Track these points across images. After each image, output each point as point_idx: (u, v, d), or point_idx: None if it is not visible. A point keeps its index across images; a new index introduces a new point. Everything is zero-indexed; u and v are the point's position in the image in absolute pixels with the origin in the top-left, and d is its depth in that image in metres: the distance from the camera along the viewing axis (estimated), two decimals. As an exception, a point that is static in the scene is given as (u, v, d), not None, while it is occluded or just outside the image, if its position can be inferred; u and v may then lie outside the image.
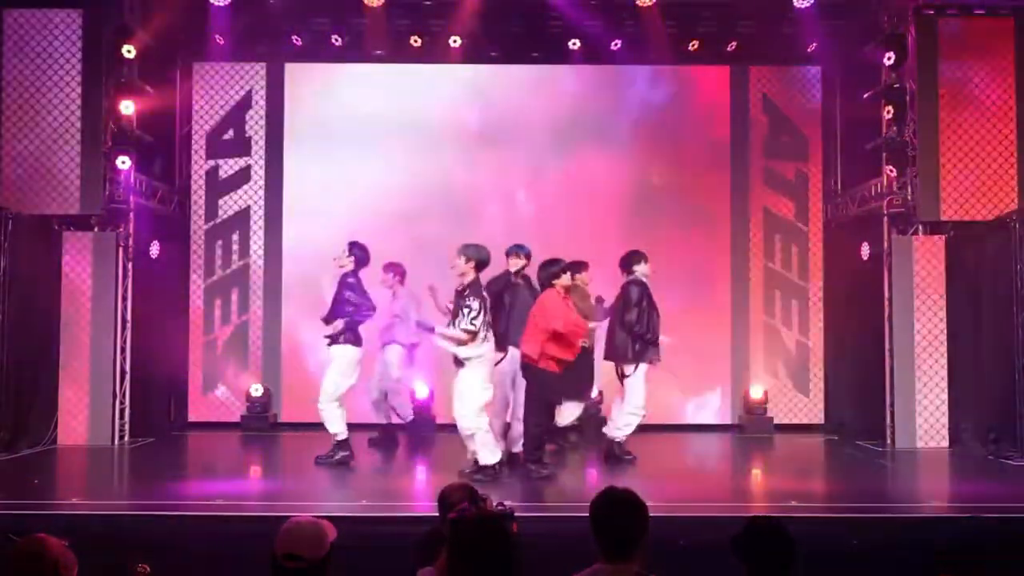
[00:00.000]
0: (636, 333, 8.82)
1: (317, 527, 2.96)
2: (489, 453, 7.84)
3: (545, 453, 8.32)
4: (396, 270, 10.04)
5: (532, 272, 8.71)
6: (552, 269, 8.26)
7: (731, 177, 12.07)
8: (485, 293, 7.83)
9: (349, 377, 8.73)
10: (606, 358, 9.22)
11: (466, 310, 7.62)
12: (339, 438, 8.72)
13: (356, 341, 8.70)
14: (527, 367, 8.02)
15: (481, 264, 7.88)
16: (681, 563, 4.97)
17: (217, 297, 11.99)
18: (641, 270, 9.03)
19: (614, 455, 9.08)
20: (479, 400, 7.81)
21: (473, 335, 7.64)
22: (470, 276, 7.82)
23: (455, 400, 7.96)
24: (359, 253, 8.85)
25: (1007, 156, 10.09)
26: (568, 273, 8.33)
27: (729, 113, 12.13)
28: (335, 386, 8.65)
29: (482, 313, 7.66)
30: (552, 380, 8.00)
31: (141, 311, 10.62)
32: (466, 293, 7.74)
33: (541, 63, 12.05)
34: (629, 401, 9.02)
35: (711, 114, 12.14)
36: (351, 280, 8.70)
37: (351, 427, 8.86)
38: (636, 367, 8.89)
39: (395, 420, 10.25)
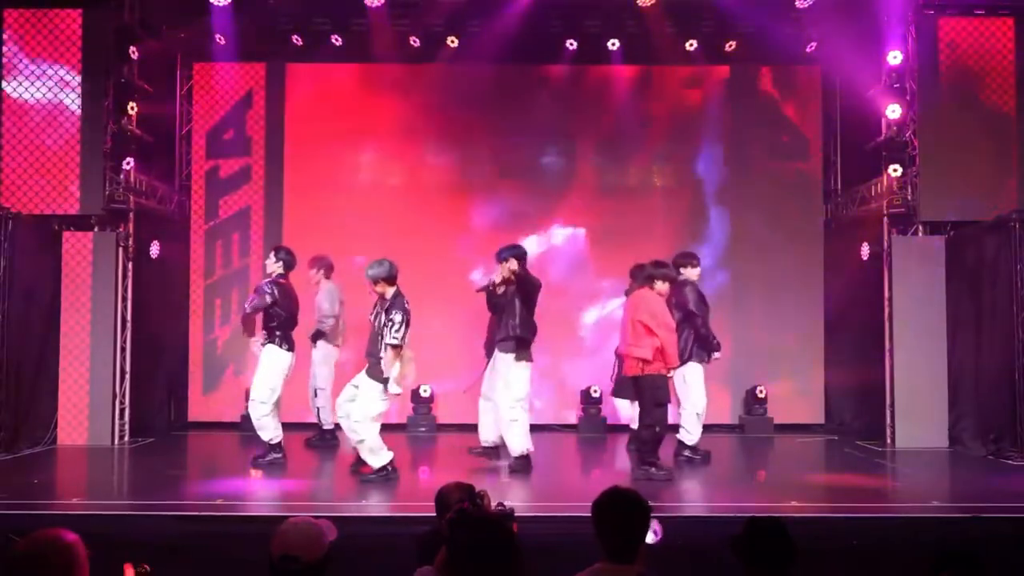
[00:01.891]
0: (701, 334, 8.87)
1: (314, 528, 2.94)
2: (377, 458, 7.79)
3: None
4: (320, 264, 9.98)
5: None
6: (661, 270, 8.16)
7: (731, 177, 12.07)
8: (407, 306, 7.69)
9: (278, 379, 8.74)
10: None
11: (390, 324, 7.54)
12: (273, 442, 8.69)
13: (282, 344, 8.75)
14: (636, 374, 7.98)
15: (392, 279, 7.76)
16: (681, 563, 4.98)
17: (217, 297, 11.99)
18: (689, 274, 9.02)
19: (684, 457, 9.00)
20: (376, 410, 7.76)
21: (398, 349, 7.55)
22: (389, 291, 7.74)
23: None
24: (286, 257, 8.94)
25: (1007, 156, 10.09)
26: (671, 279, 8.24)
27: (729, 113, 12.13)
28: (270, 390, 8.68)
29: (404, 327, 7.56)
30: (662, 382, 7.96)
31: (141, 311, 10.62)
32: (388, 308, 7.64)
33: (540, 63, 12.04)
34: (689, 404, 8.96)
35: (712, 114, 12.14)
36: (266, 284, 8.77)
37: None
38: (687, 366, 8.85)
39: (322, 421, 10.00)
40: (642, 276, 8.43)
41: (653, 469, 7.87)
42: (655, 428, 7.97)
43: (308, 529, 2.93)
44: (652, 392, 7.96)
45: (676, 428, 9.15)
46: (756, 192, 12.05)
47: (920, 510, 6.99)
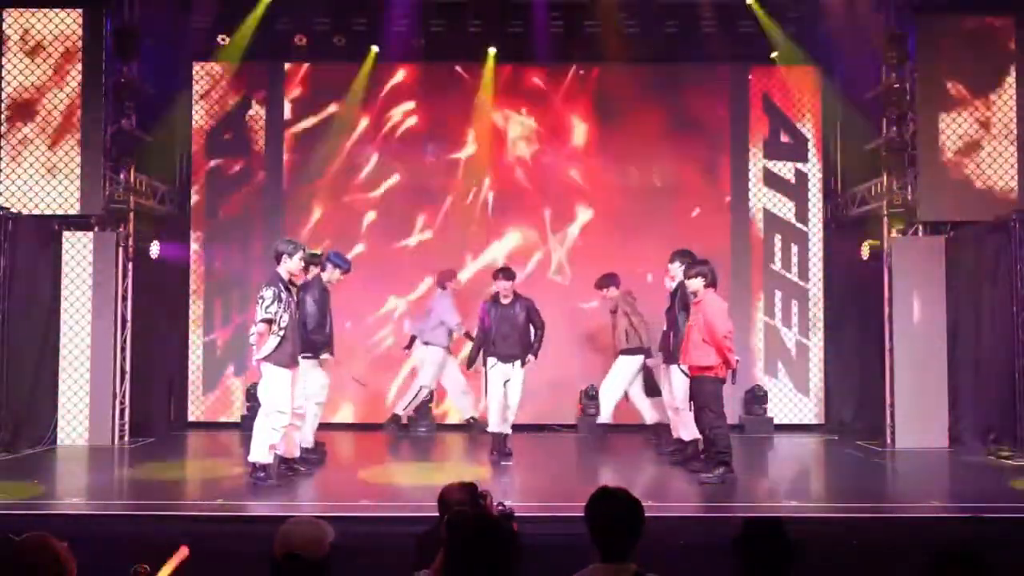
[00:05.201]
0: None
1: (317, 527, 2.95)
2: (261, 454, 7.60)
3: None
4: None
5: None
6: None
7: (731, 177, 12.07)
8: (281, 287, 7.49)
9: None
10: (667, 361, 9.09)
11: (260, 300, 7.44)
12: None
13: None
14: (702, 377, 7.86)
15: (278, 255, 7.68)
16: (681, 563, 4.98)
17: (217, 297, 11.97)
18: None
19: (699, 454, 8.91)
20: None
21: (269, 324, 7.37)
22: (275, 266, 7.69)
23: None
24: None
25: (1007, 156, 10.10)
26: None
27: (729, 113, 12.13)
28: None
29: (275, 303, 7.38)
30: (720, 387, 7.89)
31: (141, 311, 10.62)
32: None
33: (542, 63, 12.02)
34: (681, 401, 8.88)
35: (711, 114, 12.13)
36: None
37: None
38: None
39: None
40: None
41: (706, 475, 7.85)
42: (704, 431, 7.99)
43: (311, 528, 2.94)
44: (715, 393, 7.93)
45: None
46: (755, 192, 12.05)
47: (920, 510, 7.00)
